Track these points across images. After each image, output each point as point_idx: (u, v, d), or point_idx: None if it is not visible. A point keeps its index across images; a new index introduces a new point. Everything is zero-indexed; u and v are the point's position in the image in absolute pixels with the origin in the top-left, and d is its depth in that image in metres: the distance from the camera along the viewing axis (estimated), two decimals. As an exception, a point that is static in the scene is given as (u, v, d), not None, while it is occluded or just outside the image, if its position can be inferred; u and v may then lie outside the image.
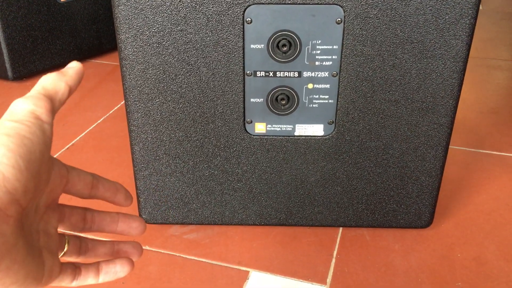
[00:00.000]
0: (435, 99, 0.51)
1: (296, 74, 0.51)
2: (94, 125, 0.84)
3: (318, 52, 0.49)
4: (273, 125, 0.53)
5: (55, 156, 0.73)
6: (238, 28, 0.48)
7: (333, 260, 0.56)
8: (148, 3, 0.47)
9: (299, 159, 0.55)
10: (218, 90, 0.51)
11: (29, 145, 0.24)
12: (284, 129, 0.53)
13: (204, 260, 0.56)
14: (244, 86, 0.51)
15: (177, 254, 0.57)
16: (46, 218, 0.29)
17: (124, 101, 0.52)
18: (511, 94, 0.96)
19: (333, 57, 0.49)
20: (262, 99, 0.52)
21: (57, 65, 1.03)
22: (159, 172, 0.56)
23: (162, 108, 0.52)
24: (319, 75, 0.51)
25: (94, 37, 1.08)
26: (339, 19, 0.48)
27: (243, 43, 0.49)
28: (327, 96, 0.52)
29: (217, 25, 0.48)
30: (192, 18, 0.48)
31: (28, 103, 0.25)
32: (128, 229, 0.33)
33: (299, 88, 0.51)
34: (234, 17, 0.48)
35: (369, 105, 0.51)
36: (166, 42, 0.49)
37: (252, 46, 0.49)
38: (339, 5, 0.47)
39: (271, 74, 0.51)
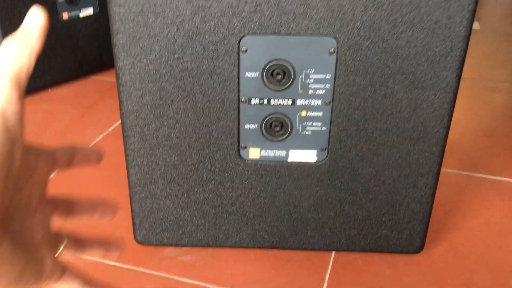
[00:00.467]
0: (426, 128, 0.52)
1: (290, 102, 0.52)
2: (92, 143, 0.85)
3: (312, 81, 0.50)
4: (267, 151, 0.54)
5: (52, 175, 0.74)
6: (234, 57, 0.49)
7: (325, 285, 0.57)
8: (145, 32, 0.48)
9: (292, 185, 0.56)
10: (213, 116, 0.52)
11: None
12: (278, 155, 0.54)
13: (198, 283, 0.57)
14: (239, 113, 0.52)
15: (171, 277, 0.58)
16: (41, 210, 0.28)
17: (121, 124, 0.53)
18: (507, 116, 0.97)
19: (326, 86, 0.50)
20: (256, 125, 0.53)
21: (58, 81, 1.05)
22: (154, 195, 0.57)
23: (158, 133, 0.53)
24: (312, 103, 0.52)
25: (95, 54, 1.09)
26: (332, 50, 0.49)
27: (238, 72, 0.50)
28: (320, 124, 0.53)
29: (213, 54, 0.49)
30: (188, 47, 0.49)
31: None
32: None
33: (293, 115, 0.52)
34: (229, 46, 0.49)
35: (361, 133, 0.52)
36: (163, 70, 0.50)
37: (247, 74, 0.50)
38: (332, 37, 0.48)
39: (265, 101, 0.52)
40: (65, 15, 1.01)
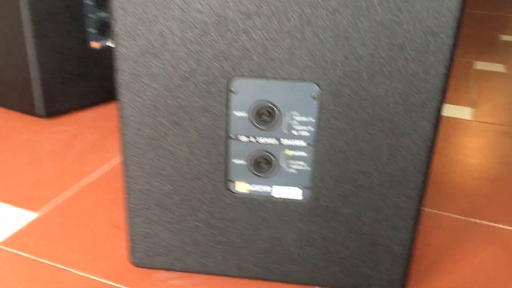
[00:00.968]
0: (404, 173, 0.54)
1: (276, 141, 0.55)
2: (107, 164, 0.90)
3: (296, 123, 0.54)
4: (254, 185, 0.57)
5: (64, 195, 0.79)
6: (224, 97, 0.53)
7: (305, 318, 0.59)
8: (145, 71, 0.53)
9: (277, 219, 0.58)
10: (204, 151, 0.56)
11: None
12: (264, 190, 0.57)
13: (183, 306, 0.60)
14: (227, 149, 0.56)
15: (161, 298, 0.61)
16: None
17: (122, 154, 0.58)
18: (517, 163, 0.96)
19: (310, 128, 0.54)
20: (244, 161, 0.56)
21: (85, 105, 1.11)
22: (149, 221, 0.61)
23: (154, 163, 0.57)
24: (296, 143, 0.55)
25: (121, 81, 1.16)
26: (315, 95, 0.52)
27: (228, 111, 0.54)
28: (304, 163, 0.55)
29: (205, 94, 0.53)
30: (183, 86, 0.53)
31: None
32: None
33: (278, 154, 0.56)
34: (220, 87, 0.53)
35: (342, 174, 0.55)
36: (159, 106, 0.54)
37: (236, 113, 0.54)
38: (315, 83, 0.51)
39: (252, 139, 0.55)
40: (94, 44, 1.08)
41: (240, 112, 0.54)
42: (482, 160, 0.96)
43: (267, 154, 0.56)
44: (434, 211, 0.80)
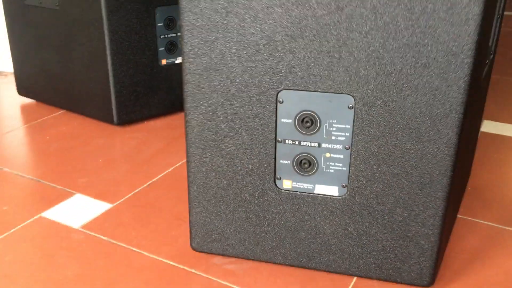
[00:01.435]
0: (431, 176, 0.61)
1: (317, 145, 0.64)
2: (172, 168, 1.02)
3: (334, 129, 0.62)
4: (297, 183, 0.66)
5: (135, 192, 0.91)
6: (273, 106, 0.63)
7: (340, 303, 0.66)
8: (207, 83, 0.64)
9: (317, 213, 0.67)
10: (255, 152, 0.66)
11: None
12: (306, 187, 0.66)
13: (235, 287, 0.69)
14: (275, 150, 0.65)
15: (216, 280, 0.71)
16: None
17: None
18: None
19: (346, 134, 0.62)
20: (289, 161, 0.65)
21: (154, 115, 1.25)
22: (207, 211, 0.71)
23: (212, 161, 0.68)
24: (334, 147, 0.63)
25: (186, 94, 1.28)
26: (351, 105, 0.60)
27: (276, 118, 0.63)
28: (341, 165, 0.64)
29: (257, 103, 0.63)
30: (238, 96, 0.63)
31: None
32: None
33: (319, 156, 0.64)
34: (270, 98, 0.62)
35: (375, 175, 0.63)
36: (218, 112, 0.65)
37: (282, 120, 0.63)
38: (351, 95, 0.60)
39: (296, 142, 0.64)
40: (163, 61, 1.22)
41: (286, 119, 0.63)
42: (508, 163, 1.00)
43: (309, 156, 0.65)
44: (470, 218, 0.86)
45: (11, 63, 1.55)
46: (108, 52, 1.12)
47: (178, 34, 1.22)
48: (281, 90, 0.62)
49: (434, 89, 0.57)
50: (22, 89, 1.36)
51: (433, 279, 0.67)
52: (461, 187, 0.83)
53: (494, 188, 0.95)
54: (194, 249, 0.74)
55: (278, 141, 0.65)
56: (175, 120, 1.26)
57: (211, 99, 0.64)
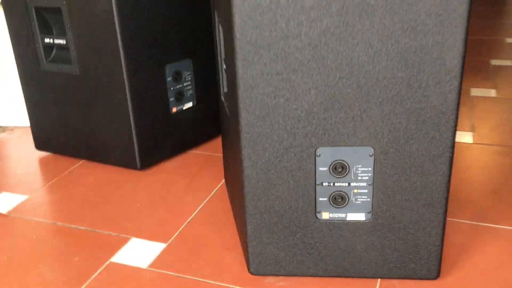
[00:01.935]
0: (432, 199, 0.83)
1: (347, 184, 0.85)
2: (203, 203, 1.20)
3: (359, 172, 0.84)
4: (333, 213, 0.87)
5: (180, 229, 1.09)
6: (312, 159, 0.83)
7: (373, 300, 0.88)
8: (260, 146, 0.83)
9: (349, 235, 0.88)
10: (299, 194, 0.86)
11: None
12: (341, 216, 0.87)
13: (290, 298, 0.89)
14: (315, 191, 0.85)
15: (272, 295, 0.90)
16: None
17: (243, 201, 0.88)
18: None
19: (368, 174, 0.83)
20: (326, 198, 0.86)
21: (168, 157, 1.42)
22: (262, 243, 0.90)
23: (266, 204, 0.87)
24: (360, 185, 0.85)
25: (193, 135, 1.46)
26: (371, 154, 0.82)
27: (315, 167, 0.84)
28: (366, 197, 0.85)
29: (300, 158, 0.83)
30: (286, 154, 0.83)
31: None
32: None
33: (349, 192, 0.85)
34: (310, 153, 0.83)
35: (392, 202, 0.84)
36: (270, 167, 0.84)
37: (320, 168, 0.84)
38: (371, 147, 0.81)
39: (331, 184, 0.85)
40: (173, 109, 1.39)
41: (323, 167, 0.84)
42: (484, 177, 1.26)
43: (342, 193, 0.85)
44: (451, 219, 1.09)
45: (14, 117, 1.68)
46: (130, 108, 1.28)
47: (184, 84, 1.40)
48: (318, 147, 0.82)
49: (431, 138, 0.80)
50: (40, 144, 1.49)
51: (439, 273, 0.90)
52: (444, 197, 1.06)
53: (463, 190, 1.20)
54: (251, 273, 0.93)
55: (317, 184, 0.85)
56: (187, 159, 1.43)
57: (264, 158, 0.84)
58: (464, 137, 1.48)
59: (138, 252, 1.04)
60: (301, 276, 0.93)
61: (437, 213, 0.84)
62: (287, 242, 0.90)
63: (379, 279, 0.92)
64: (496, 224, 1.07)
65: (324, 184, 0.85)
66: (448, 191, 0.83)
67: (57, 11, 1.27)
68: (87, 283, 0.96)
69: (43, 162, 1.46)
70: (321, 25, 0.74)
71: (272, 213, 0.88)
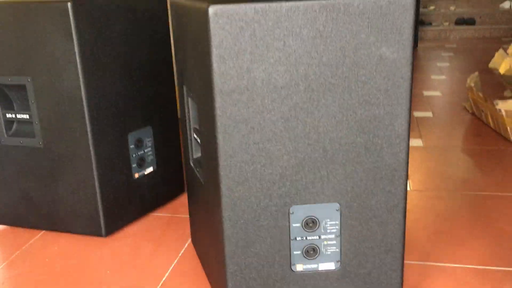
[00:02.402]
0: (392, 245, 0.95)
1: (318, 237, 0.95)
2: (173, 265, 1.25)
3: (328, 225, 0.94)
4: (307, 265, 0.96)
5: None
6: (286, 217, 0.93)
7: None
8: (240, 208, 0.92)
9: (322, 283, 0.97)
10: (276, 249, 0.95)
11: None
12: (313, 267, 0.97)
13: None
14: (290, 245, 0.95)
15: None
16: None
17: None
18: (450, 218, 1.42)
19: (336, 227, 0.94)
20: (300, 251, 0.96)
21: (132, 220, 1.45)
22: (243, 297, 0.97)
23: (245, 260, 0.95)
24: (330, 237, 0.95)
25: (154, 198, 1.52)
26: (337, 209, 0.93)
27: (289, 223, 0.93)
28: (335, 247, 0.96)
29: (276, 216, 0.93)
30: (262, 213, 0.92)
31: None
32: None
33: (320, 244, 0.95)
34: (284, 212, 0.93)
35: (358, 250, 0.96)
36: (249, 227, 0.93)
37: (293, 224, 0.94)
38: (338, 203, 0.93)
39: (304, 238, 0.95)
40: (136, 175, 1.45)
41: (296, 224, 0.94)
42: (425, 219, 1.41)
43: (314, 245, 0.95)
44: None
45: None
46: (95, 177, 1.32)
47: (146, 150, 1.47)
48: (292, 206, 0.93)
49: (387, 192, 0.93)
50: (-1, 218, 1.47)
51: (400, 310, 1.01)
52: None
53: (408, 233, 1.34)
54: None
55: (291, 239, 0.95)
56: (150, 221, 1.48)
57: (243, 219, 0.92)
58: (401, 185, 1.65)
59: (118, 319, 1.06)
60: (279, 326, 1.00)
61: (396, 257, 0.96)
62: (266, 295, 0.97)
63: (349, 322, 1.01)
64: (441, 263, 1.21)
65: (297, 238, 0.95)
66: (404, 237, 0.96)
67: (21, 87, 1.31)
68: None
69: (0, 236, 1.44)
70: (291, 101, 0.86)
71: (251, 269, 0.95)
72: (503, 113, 1.95)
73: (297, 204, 0.92)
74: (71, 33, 1.21)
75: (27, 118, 1.33)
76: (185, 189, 1.67)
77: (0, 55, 1.30)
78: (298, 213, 0.93)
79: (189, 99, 1.08)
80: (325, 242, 0.95)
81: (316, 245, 0.96)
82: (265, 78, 0.84)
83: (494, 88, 2.79)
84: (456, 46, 4.48)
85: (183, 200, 1.62)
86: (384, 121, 0.88)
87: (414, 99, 2.71)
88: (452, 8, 5.38)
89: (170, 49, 1.50)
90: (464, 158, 1.86)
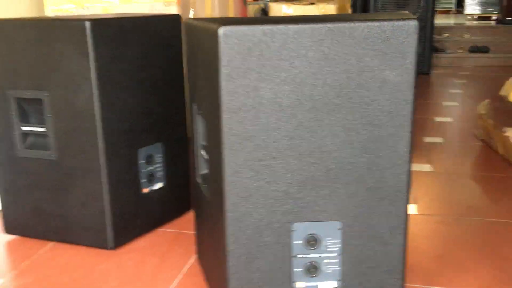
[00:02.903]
0: (392, 265, 0.96)
1: (319, 255, 0.96)
2: (177, 280, 1.26)
3: (329, 243, 0.96)
4: (307, 283, 0.97)
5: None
6: (289, 234, 0.95)
7: None
8: (244, 225, 0.93)
9: (323, 301, 0.98)
10: (278, 266, 0.96)
11: None
12: (313, 285, 0.98)
13: None
14: (291, 262, 0.96)
15: None
16: None
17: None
18: (454, 243, 1.42)
19: (338, 245, 0.96)
20: (301, 269, 0.97)
21: (139, 234, 1.48)
22: (244, 313, 0.98)
23: (248, 276, 0.96)
24: (331, 255, 0.96)
25: (162, 214, 1.54)
26: (339, 227, 0.95)
27: (290, 241, 0.95)
28: (336, 266, 0.97)
29: (279, 232, 0.94)
30: (265, 230, 0.94)
31: None
32: None
33: (321, 262, 0.97)
34: (287, 229, 0.94)
35: (359, 269, 0.96)
36: (251, 244, 0.95)
37: (295, 242, 0.95)
38: (339, 221, 0.94)
39: (305, 255, 0.96)
40: (145, 190, 1.48)
41: (298, 241, 0.95)
42: (428, 244, 1.41)
43: (315, 263, 0.97)
44: (406, 284, 1.22)
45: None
46: (105, 190, 1.35)
47: (155, 166, 1.50)
48: (294, 224, 0.94)
49: (388, 212, 0.94)
50: (11, 228, 1.50)
51: (401, 332, 1.01)
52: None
53: (412, 257, 1.34)
54: None
55: (293, 256, 0.96)
56: (157, 237, 1.50)
57: (246, 234, 0.94)
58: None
59: (121, 330, 1.08)
60: None
61: (397, 278, 0.97)
62: (267, 311, 0.98)
63: None
64: (445, 287, 1.21)
65: (298, 256, 0.96)
66: (405, 258, 0.97)
67: (37, 101, 1.35)
68: None
69: (11, 246, 1.47)
70: (296, 120, 0.89)
71: (253, 285, 0.97)
72: (512, 140, 1.95)
73: (300, 222, 0.94)
74: (88, 52, 1.26)
75: (42, 131, 1.37)
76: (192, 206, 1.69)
77: (19, 70, 1.35)
78: (300, 231, 0.95)
79: (199, 117, 1.11)
80: (326, 260, 0.97)
81: (317, 263, 0.97)
82: (271, 97, 0.87)
83: (506, 116, 2.79)
84: (470, 74, 4.49)
85: (190, 216, 1.64)
86: (386, 142, 0.90)
87: (425, 124, 2.72)
88: (466, 35, 5.41)
89: (182, 68, 1.54)
90: (472, 185, 1.86)
